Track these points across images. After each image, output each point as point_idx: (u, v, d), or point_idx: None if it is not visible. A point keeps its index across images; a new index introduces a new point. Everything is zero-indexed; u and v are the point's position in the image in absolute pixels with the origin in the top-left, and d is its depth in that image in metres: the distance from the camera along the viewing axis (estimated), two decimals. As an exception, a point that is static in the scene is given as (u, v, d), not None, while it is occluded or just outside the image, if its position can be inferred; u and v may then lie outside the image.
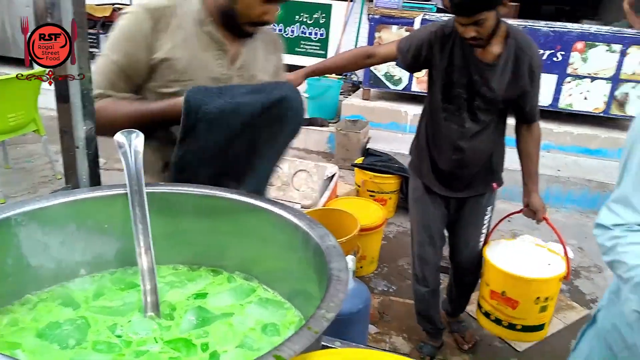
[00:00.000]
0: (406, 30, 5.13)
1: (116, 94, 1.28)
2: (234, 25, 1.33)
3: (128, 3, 7.08)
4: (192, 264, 1.07)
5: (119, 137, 1.05)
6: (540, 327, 2.38)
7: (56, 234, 0.94)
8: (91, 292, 0.93)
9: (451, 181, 2.27)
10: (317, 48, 6.59)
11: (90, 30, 6.14)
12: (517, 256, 2.36)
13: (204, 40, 1.32)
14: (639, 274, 0.96)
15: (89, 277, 0.98)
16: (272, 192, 2.93)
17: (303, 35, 6.73)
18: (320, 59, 6.04)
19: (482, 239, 2.44)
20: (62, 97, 1.06)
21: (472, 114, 2.10)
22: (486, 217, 2.38)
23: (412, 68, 2.22)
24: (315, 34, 6.61)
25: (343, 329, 1.71)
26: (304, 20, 6.64)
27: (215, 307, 0.93)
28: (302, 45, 6.76)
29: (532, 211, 2.27)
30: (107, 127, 1.14)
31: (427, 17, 5.03)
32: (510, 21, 4.97)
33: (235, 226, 1.03)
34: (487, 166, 2.25)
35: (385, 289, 3.34)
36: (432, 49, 2.05)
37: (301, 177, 2.89)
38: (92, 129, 1.09)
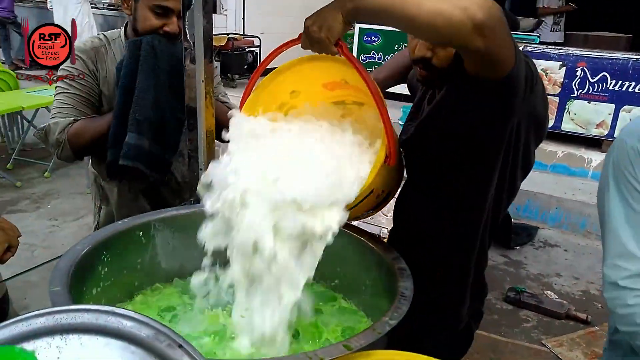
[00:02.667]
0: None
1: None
2: None
3: (241, 33, 7.72)
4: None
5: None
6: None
7: (182, 239, 1.17)
8: (204, 290, 1.15)
9: None
10: (415, 76, 6.70)
11: (207, 58, 6.77)
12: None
13: None
14: None
15: (203, 275, 1.19)
16: (360, 216, 3.08)
17: (402, 64, 6.89)
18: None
19: None
20: (192, 125, 1.31)
21: None
22: None
23: None
24: (414, 62, 6.74)
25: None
26: (404, 49, 6.80)
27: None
28: (400, 74, 6.91)
29: None
30: (86, 143, 1.45)
31: (528, 48, 4.97)
32: (622, 54, 4.76)
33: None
34: None
35: (468, 321, 3.34)
36: None
37: (390, 203, 3.01)
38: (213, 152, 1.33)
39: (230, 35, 7.25)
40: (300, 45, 0.99)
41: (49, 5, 7.58)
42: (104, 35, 1.57)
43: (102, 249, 0.98)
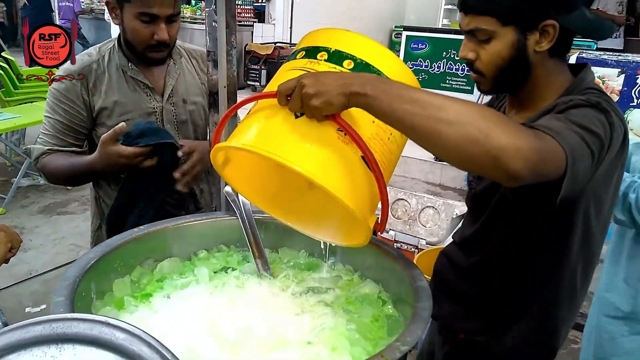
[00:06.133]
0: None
1: (63, 149, 1.41)
2: (139, 55, 1.41)
3: (288, 42, 7.79)
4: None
5: (228, 189, 1.22)
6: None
7: (201, 248, 1.16)
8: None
9: None
10: (463, 84, 6.54)
11: (254, 66, 6.89)
12: None
13: (131, 83, 1.43)
14: None
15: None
16: (398, 226, 3.01)
17: (449, 71, 6.75)
18: (465, 95, 6.04)
19: None
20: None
21: None
22: None
23: None
24: (462, 69, 6.57)
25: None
26: (451, 56, 6.66)
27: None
28: (447, 81, 6.77)
29: None
30: (55, 178, 1.43)
31: (584, 55, 4.72)
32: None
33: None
34: None
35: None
36: None
37: (428, 214, 2.94)
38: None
39: (277, 44, 7.33)
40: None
41: (106, 17, 7.94)
42: (97, 49, 1.46)
43: (115, 257, 0.98)
